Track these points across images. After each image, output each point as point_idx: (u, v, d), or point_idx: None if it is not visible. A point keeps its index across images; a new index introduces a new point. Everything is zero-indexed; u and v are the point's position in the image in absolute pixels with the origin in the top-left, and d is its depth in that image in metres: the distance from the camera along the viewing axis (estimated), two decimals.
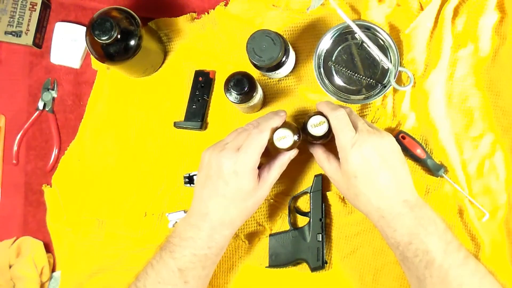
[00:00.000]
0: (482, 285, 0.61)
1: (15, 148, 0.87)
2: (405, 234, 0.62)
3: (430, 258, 0.60)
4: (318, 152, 0.70)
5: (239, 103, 0.74)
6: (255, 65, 0.75)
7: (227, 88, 0.72)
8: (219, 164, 0.64)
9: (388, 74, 0.77)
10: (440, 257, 0.60)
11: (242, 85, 0.71)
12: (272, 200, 0.82)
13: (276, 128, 0.67)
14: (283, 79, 0.82)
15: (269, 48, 0.72)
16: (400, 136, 0.78)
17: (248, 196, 0.65)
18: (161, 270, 0.64)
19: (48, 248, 0.85)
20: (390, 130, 0.80)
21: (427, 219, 0.63)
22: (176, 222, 0.81)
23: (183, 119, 0.83)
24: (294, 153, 0.70)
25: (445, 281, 0.60)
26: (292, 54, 0.78)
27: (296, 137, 0.68)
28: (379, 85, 0.78)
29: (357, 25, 0.76)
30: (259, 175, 0.66)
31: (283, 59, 0.75)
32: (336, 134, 0.65)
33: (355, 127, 0.65)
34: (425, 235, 0.61)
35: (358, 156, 0.63)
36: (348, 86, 0.79)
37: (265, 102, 0.83)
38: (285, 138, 0.67)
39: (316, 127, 0.68)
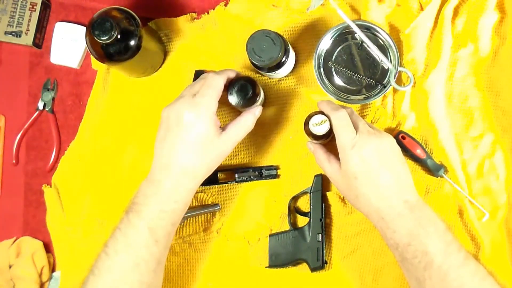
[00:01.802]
0: (482, 286, 0.61)
1: (15, 148, 0.87)
2: (404, 235, 0.62)
3: (429, 259, 0.60)
4: (319, 153, 0.70)
5: (242, 107, 0.74)
6: (255, 65, 0.75)
7: (230, 92, 0.72)
8: (177, 113, 0.63)
9: (388, 74, 0.77)
10: (440, 258, 0.60)
11: (246, 91, 0.71)
12: (272, 200, 0.82)
13: (231, 80, 0.70)
14: (283, 79, 0.82)
15: (269, 48, 0.72)
16: (400, 136, 0.78)
17: (208, 142, 0.64)
18: (130, 233, 0.62)
19: (48, 248, 0.85)
20: (390, 130, 0.80)
21: (427, 220, 0.63)
22: None
23: None
24: (259, 110, 0.70)
25: (444, 282, 0.59)
26: (292, 54, 0.78)
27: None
28: (379, 85, 0.78)
29: (357, 25, 0.76)
30: (223, 128, 0.66)
31: (283, 59, 0.75)
32: (337, 135, 0.65)
33: (356, 128, 0.65)
34: (424, 236, 0.61)
35: (358, 157, 0.63)
36: (348, 86, 0.79)
37: (265, 102, 0.83)
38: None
39: (317, 126, 0.68)
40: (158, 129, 0.66)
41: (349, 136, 0.64)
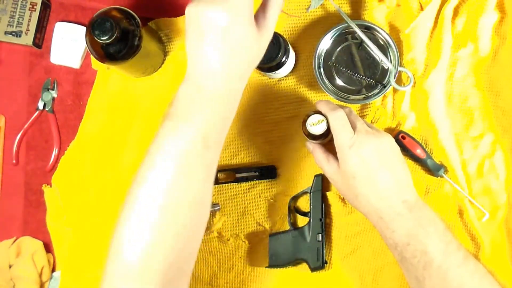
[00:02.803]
0: (482, 285, 0.61)
1: (15, 148, 0.87)
2: (403, 235, 0.62)
3: (428, 258, 0.60)
4: (317, 152, 0.70)
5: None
6: None
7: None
8: (209, 17, 0.53)
9: (388, 74, 0.77)
10: (439, 257, 0.60)
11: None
12: (272, 200, 0.82)
13: None
14: (283, 79, 0.82)
15: (269, 48, 0.72)
16: (400, 136, 0.78)
17: (251, 44, 0.55)
18: (179, 141, 0.55)
19: (48, 248, 0.85)
20: (390, 130, 0.80)
21: (427, 220, 0.63)
22: None
23: None
24: None
25: (444, 282, 0.59)
26: (292, 54, 0.78)
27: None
28: (379, 85, 0.78)
29: (357, 25, 0.76)
30: (256, 22, 0.56)
31: (283, 59, 0.75)
32: (335, 135, 0.65)
33: (354, 128, 0.65)
34: (424, 236, 0.61)
35: (356, 157, 0.63)
36: (348, 86, 0.79)
37: (265, 102, 0.83)
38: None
39: (314, 125, 0.68)
40: (186, 29, 0.55)
41: (347, 136, 0.64)
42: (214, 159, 0.58)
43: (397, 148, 0.66)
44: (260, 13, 0.57)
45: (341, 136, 0.64)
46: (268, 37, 0.58)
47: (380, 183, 0.63)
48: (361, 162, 0.63)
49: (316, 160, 0.71)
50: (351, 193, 0.65)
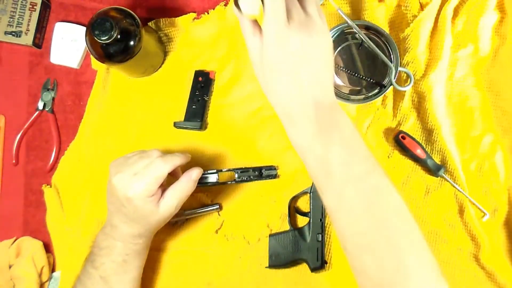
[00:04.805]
0: (380, 202, 0.55)
1: (15, 148, 0.87)
2: (308, 136, 0.56)
3: (328, 168, 0.54)
4: (246, 23, 0.59)
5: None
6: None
7: None
8: (116, 186, 0.66)
9: (388, 74, 0.77)
10: (339, 168, 0.54)
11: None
12: (272, 200, 0.82)
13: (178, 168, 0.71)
14: None
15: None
16: (400, 136, 0.78)
17: (148, 216, 0.68)
18: (86, 282, 0.70)
19: (48, 248, 0.85)
20: (390, 130, 0.80)
21: (335, 124, 0.56)
22: (176, 222, 0.81)
23: (183, 119, 0.83)
24: (196, 174, 0.71)
25: (339, 197, 0.55)
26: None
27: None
28: (379, 85, 0.78)
29: (357, 25, 0.76)
30: (163, 195, 0.68)
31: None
32: (265, 18, 0.56)
33: (289, 16, 0.56)
34: (326, 141, 0.55)
35: (279, 49, 0.56)
36: (348, 86, 0.79)
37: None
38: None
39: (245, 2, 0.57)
40: (109, 195, 0.69)
41: (277, 23, 0.55)
42: None
43: (327, 47, 0.58)
44: (168, 191, 0.69)
45: (271, 21, 0.56)
46: (168, 212, 0.69)
47: (295, 79, 0.56)
48: (283, 55, 0.56)
49: (242, 30, 0.60)
50: (264, 82, 0.59)
